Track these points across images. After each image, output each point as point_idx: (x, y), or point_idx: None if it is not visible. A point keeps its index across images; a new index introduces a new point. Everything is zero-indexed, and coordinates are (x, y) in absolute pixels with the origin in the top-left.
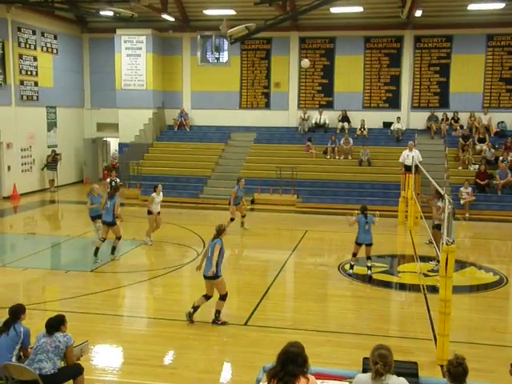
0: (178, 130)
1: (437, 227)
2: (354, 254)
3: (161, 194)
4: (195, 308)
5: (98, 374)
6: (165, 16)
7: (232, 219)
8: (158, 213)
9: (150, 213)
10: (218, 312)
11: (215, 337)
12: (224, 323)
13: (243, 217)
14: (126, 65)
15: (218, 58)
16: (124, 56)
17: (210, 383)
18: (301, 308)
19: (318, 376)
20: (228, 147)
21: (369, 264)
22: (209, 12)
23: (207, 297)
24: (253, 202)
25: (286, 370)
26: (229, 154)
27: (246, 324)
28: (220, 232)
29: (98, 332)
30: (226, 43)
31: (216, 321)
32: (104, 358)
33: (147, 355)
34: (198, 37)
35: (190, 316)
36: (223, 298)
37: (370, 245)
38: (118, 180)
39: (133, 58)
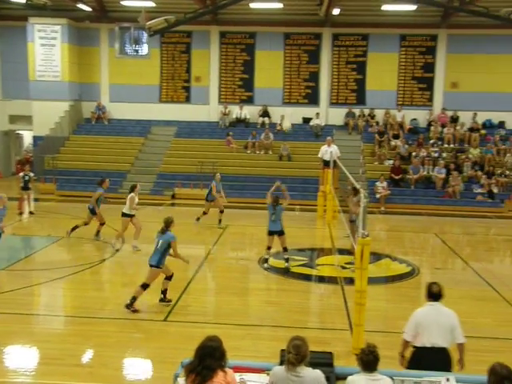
0: (95, 124)
1: (353, 221)
2: (269, 247)
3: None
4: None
5: (9, 377)
6: (80, 5)
7: (205, 213)
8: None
9: (127, 215)
10: (133, 298)
11: (134, 334)
12: (135, 311)
13: (221, 212)
14: (39, 55)
15: (136, 51)
16: (37, 46)
17: (128, 381)
18: (221, 302)
19: (237, 369)
20: (148, 141)
21: (285, 256)
22: (127, 3)
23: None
24: (173, 196)
25: (203, 365)
26: (149, 149)
27: (165, 320)
28: (168, 224)
29: (10, 332)
30: (145, 35)
31: (129, 306)
32: (17, 359)
33: (63, 354)
34: (116, 28)
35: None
36: (144, 286)
37: (280, 234)
38: (31, 174)
39: (47, 47)
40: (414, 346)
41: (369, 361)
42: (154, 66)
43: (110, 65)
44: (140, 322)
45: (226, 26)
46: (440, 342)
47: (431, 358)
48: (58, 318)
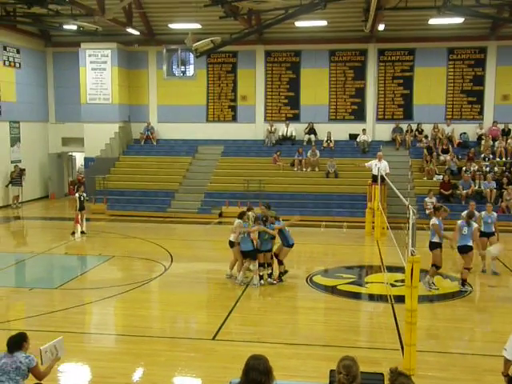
0: (144, 144)
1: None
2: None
3: None
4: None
5: None
6: (130, 30)
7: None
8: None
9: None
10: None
11: (183, 352)
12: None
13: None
14: (90, 79)
15: (183, 72)
16: (89, 70)
17: None
18: (269, 321)
19: None
20: (195, 160)
21: (260, 273)
22: (174, 26)
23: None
24: (221, 215)
25: (249, 379)
26: (196, 168)
27: (214, 338)
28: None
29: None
30: (191, 57)
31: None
32: (69, 377)
33: (114, 373)
34: (164, 50)
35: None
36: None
37: (250, 252)
38: (84, 195)
39: (98, 71)
40: None
41: None
42: (201, 87)
43: (158, 86)
44: (189, 340)
45: (271, 45)
46: None
47: None
48: (108, 336)
